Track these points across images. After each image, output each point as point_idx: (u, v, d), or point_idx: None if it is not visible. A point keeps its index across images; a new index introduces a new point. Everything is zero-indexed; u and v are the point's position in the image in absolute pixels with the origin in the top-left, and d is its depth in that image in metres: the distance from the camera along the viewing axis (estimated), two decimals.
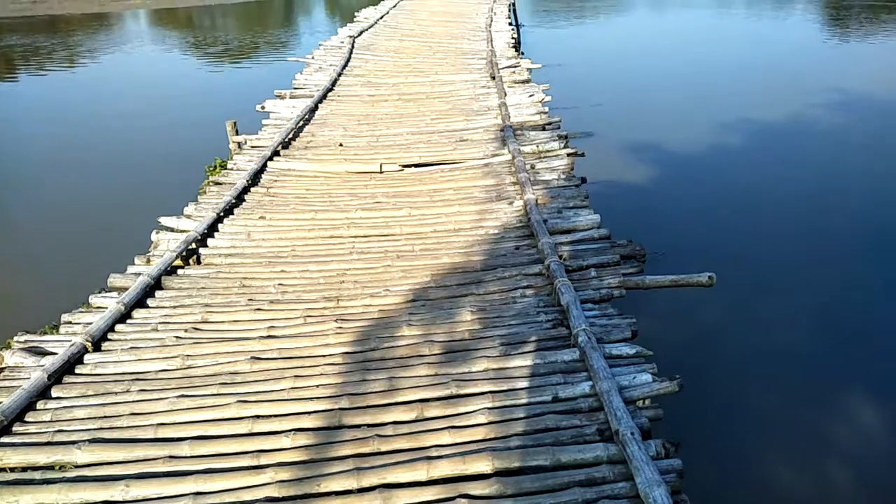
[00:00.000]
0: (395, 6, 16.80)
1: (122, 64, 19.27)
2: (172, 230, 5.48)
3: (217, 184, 6.43)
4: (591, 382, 3.35)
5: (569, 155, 6.62)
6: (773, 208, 8.36)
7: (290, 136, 7.69)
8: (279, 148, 7.25)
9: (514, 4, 19.00)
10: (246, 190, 6.24)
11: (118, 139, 11.99)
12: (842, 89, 13.68)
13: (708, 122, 11.72)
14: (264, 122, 8.33)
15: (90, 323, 4.09)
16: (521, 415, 3.21)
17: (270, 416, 3.31)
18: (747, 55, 18.24)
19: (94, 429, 3.28)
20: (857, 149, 10.54)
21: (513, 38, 12.97)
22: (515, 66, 10.22)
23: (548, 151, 6.78)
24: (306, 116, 8.37)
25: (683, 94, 13.96)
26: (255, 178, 6.51)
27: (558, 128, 7.62)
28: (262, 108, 8.83)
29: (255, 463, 3.02)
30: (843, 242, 7.52)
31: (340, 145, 7.47)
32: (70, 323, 4.24)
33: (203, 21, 28.47)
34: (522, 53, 13.35)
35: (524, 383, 3.43)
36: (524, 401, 3.30)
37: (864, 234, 7.69)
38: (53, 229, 8.52)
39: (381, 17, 15.13)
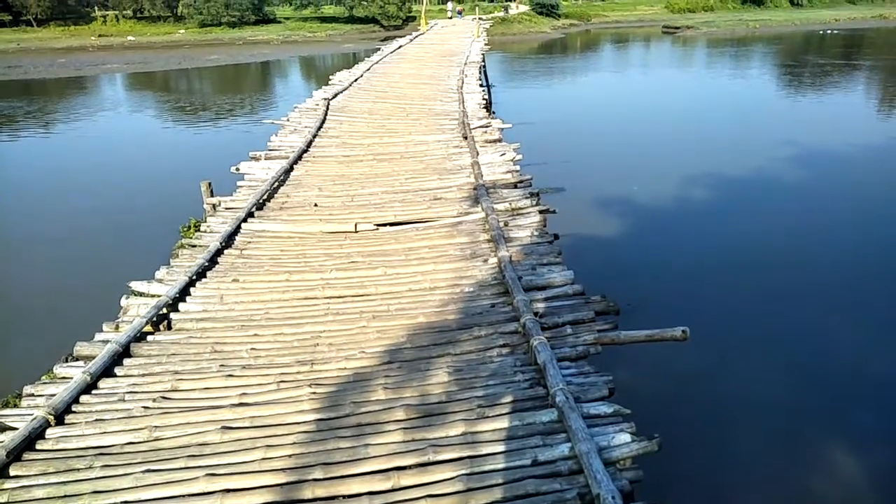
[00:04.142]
0: (368, 69, 17.24)
1: (97, 127, 19.31)
2: (143, 295, 5.38)
3: (190, 246, 6.38)
4: (570, 444, 3.30)
5: (541, 212, 6.73)
6: (742, 260, 8.55)
7: (265, 197, 7.71)
8: (253, 209, 7.25)
9: (484, 66, 19.65)
10: (219, 252, 6.19)
11: (92, 202, 11.90)
12: (804, 143, 14.26)
13: (675, 177, 12.07)
14: (239, 183, 8.34)
15: (54, 395, 3.95)
16: (501, 480, 3.14)
17: (241, 489, 3.19)
18: (710, 112, 19.01)
19: None
20: (825, 200, 10.91)
21: (484, 98, 13.34)
22: (487, 126, 10.47)
23: (520, 209, 6.89)
24: (281, 177, 8.41)
25: (650, 151, 14.42)
26: (229, 240, 6.48)
27: (530, 185, 7.76)
28: (237, 169, 8.85)
29: None
30: (813, 294, 7.68)
31: (315, 205, 7.50)
32: (33, 395, 4.09)
33: (180, 84, 28.86)
34: (494, 113, 13.73)
35: (503, 447, 3.36)
36: (503, 465, 3.23)
37: (834, 286, 7.87)
38: (20, 296, 8.31)
39: (356, 80, 15.49)
